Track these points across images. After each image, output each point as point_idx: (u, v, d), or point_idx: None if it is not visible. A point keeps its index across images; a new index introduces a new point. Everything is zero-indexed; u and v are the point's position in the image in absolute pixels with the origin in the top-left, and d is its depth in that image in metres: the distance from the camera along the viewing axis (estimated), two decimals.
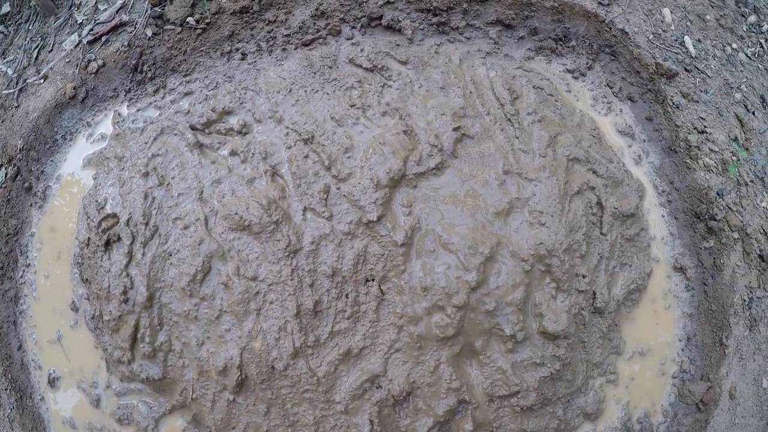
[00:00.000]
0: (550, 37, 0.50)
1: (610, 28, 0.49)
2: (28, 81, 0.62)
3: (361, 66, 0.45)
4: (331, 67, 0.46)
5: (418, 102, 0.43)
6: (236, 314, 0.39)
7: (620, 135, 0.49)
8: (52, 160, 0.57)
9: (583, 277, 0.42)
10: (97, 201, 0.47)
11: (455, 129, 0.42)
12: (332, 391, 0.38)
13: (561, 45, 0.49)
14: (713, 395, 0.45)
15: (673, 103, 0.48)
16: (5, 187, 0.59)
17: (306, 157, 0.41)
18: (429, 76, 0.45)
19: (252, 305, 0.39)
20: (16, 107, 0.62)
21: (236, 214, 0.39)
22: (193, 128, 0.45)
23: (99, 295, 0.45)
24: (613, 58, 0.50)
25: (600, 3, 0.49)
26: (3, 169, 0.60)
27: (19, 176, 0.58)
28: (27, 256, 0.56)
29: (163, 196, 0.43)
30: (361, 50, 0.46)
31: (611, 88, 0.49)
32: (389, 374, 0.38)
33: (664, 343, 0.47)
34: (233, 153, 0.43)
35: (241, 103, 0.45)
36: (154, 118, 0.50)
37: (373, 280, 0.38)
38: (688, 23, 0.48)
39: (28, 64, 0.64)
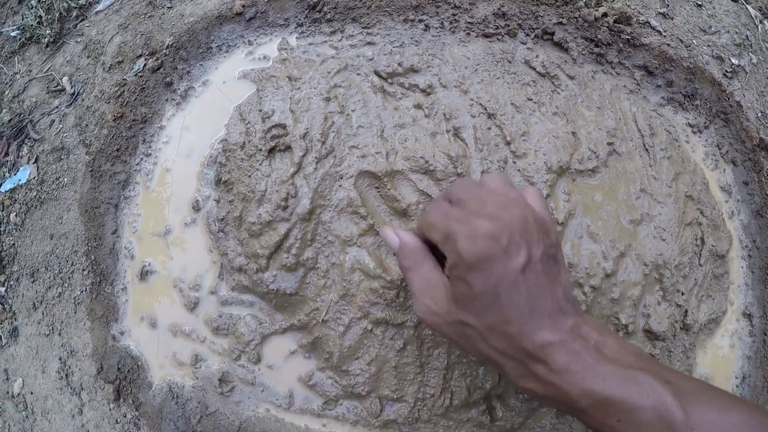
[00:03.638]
0: (680, 92, 0.60)
1: (729, 98, 0.60)
2: None
3: (534, 69, 0.53)
4: (509, 62, 0.53)
5: (580, 113, 0.51)
6: None
7: (720, 190, 0.59)
8: (201, 65, 0.60)
9: (682, 294, 0.50)
10: (261, 110, 0.50)
11: (609, 143, 0.50)
12: None
13: (688, 101, 0.60)
14: None
15: None
16: (142, 76, 0.61)
17: (489, 129, 0.47)
18: (589, 95, 0.53)
19: None
20: (168, 8, 0.65)
21: (422, 158, 0.44)
22: (377, 74, 0.51)
23: (246, 197, 0.48)
24: (725, 124, 0.61)
25: (725, 75, 0.60)
26: (143, 59, 0.62)
27: (161, 70, 0.60)
28: (149, 146, 0.58)
29: (342, 123, 0.47)
30: (537, 56, 0.54)
31: (720, 149, 0.60)
32: None
33: (723, 377, 0.55)
34: (418, 106, 0.49)
35: (428, 67, 0.51)
36: (332, 54, 0.55)
37: None
38: None
39: None
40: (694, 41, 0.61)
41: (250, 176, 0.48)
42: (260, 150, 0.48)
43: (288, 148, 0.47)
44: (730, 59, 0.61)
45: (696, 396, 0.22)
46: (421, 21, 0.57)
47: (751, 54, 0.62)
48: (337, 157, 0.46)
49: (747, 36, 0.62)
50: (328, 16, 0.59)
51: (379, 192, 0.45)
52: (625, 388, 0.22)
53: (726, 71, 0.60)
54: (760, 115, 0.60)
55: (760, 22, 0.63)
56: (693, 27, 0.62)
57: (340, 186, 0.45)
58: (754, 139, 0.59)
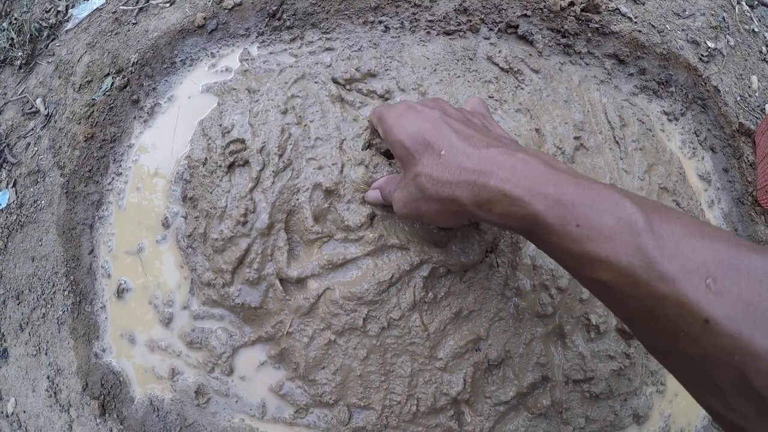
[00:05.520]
0: (654, 80, 0.57)
1: (705, 83, 0.57)
2: (150, 2, 0.65)
3: (497, 65, 0.52)
4: (471, 59, 0.52)
5: (545, 108, 0.49)
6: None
7: (699, 179, 0.57)
8: (166, 80, 0.60)
9: None
10: (221, 125, 0.50)
11: (576, 138, 0.48)
12: (437, 347, 0.41)
13: (662, 88, 0.57)
14: None
15: (748, 161, 0.56)
16: (109, 95, 0.61)
17: None
18: (555, 88, 0.51)
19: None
20: (133, 24, 0.65)
21: None
22: (335, 81, 0.50)
23: (209, 214, 0.47)
24: (703, 110, 0.58)
25: (701, 59, 0.58)
26: (110, 78, 0.62)
27: (127, 88, 0.60)
28: (120, 165, 0.58)
29: (300, 135, 0.47)
30: (499, 51, 0.52)
31: (698, 136, 0.58)
32: (490, 339, 0.42)
33: None
34: None
35: (386, 70, 0.50)
36: (291, 63, 0.54)
37: (492, 251, 0.43)
38: None
39: None
40: (667, 26, 0.58)
41: (211, 192, 0.47)
42: (220, 166, 0.47)
43: (246, 162, 0.46)
44: (705, 43, 0.58)
45: (658, 209, 0.20)
46: (381, 22, 0.56)
47: (728, 36, 0.59)
48: (294, 170, 0.45)
49: (723, 18, 0.59)
50: (288, 23, 0.57)
51: (334, 203, 0.45)
52: (580, 192, 0.21)
53: (702, 55, 0.57)
54: (738, 99, 0.57)
55: (738, 2, 0.60)
56: (666, 11, 0.59)
57: (298, 200, 0.44)
58: (733, 125, 0.57)
